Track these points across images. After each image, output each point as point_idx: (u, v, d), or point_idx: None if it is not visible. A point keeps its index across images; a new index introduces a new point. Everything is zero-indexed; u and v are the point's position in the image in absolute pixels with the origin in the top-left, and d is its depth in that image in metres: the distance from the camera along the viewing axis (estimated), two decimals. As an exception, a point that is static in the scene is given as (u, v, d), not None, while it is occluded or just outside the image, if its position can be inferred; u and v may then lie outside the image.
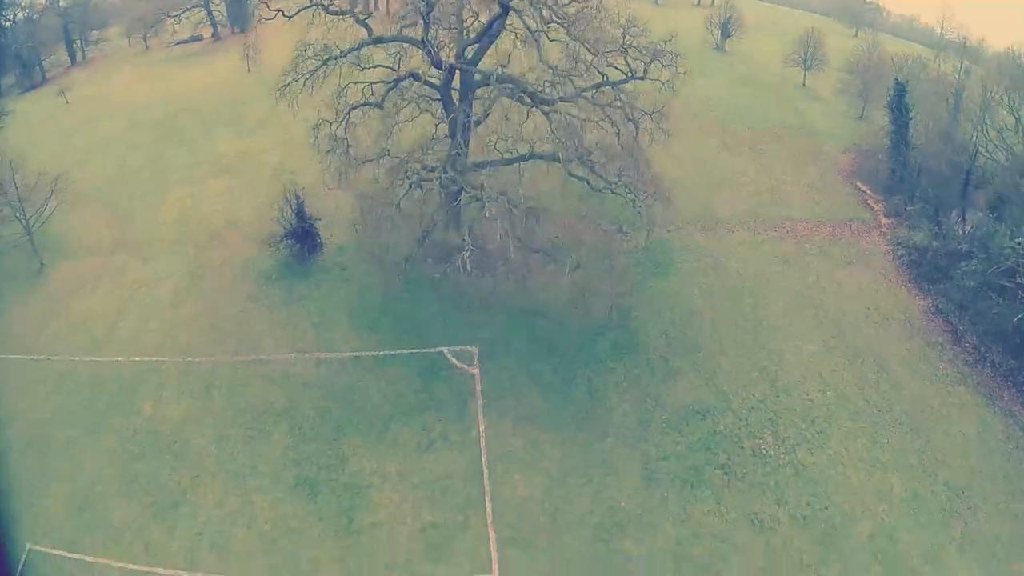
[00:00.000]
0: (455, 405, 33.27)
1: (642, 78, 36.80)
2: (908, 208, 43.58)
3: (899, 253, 41.95)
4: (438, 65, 35.88)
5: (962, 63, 46.75)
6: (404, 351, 35.46)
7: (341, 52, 34.77)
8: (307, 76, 35.62)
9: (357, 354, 35.28)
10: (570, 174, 36.14)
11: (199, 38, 75.77)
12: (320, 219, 40.35)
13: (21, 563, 27.17)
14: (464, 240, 33.42)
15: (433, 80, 36.61)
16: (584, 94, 35.55)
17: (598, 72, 36.24)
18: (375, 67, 35.94)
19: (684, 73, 37.02)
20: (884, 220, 44.81)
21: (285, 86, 35.82)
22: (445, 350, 35.26)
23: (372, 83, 36.14)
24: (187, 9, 73.75)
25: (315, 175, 40.08)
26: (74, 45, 77.16)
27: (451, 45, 36.92)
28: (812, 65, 59.75)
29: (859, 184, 47.81)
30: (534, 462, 31.32)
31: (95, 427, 32.99)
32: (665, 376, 34.71)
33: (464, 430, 32.36)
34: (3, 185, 40.88)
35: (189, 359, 35.48)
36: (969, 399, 35.06)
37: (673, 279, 39.78)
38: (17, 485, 29.93)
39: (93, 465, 31.55)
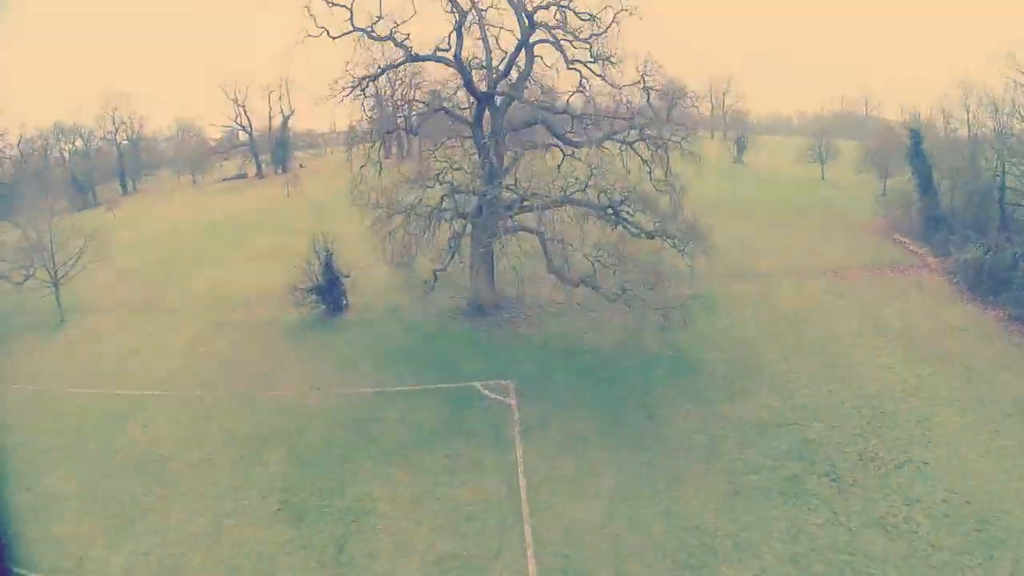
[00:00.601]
0: (488, 432, 28.44)
1: (666, 121, 37.34)
2: (951, 238, 41.81)
3: (955, 280, 39.34)
4: (468, 82, 36.04)
5: (968, 113, 47.28)
6: (431, 386, 31.61)
7: (380, 69, 35.89)
8: (346, 93, 35.88)
9: (379, 389, 31.37)
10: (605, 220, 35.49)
11: (244, 175, 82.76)
12: (348, 276, 38.81)
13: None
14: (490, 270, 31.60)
15: (464, 115, 37.23)
16: (615, 136, 36.22)
17: (623, 119, 36.96)
18: (411, 101, 37.09)
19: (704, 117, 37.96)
20: (931, 260, 42.76)
21: (323, 98, 35.93)
22: (478, 384, 31.25)
23: (407, 115, 36.91)
24: (234, 148, 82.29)
25: (347, 253, 39.90)
26: (126, 177, 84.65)
27: (483, 80, 37.33)
28: (827, 158, 61.74)
29: (897, 236, 46.54)
30: (586, 484, 25.69)
31: (73, 445, 29.08)
32: (733, 396, 30.38)
33: (499, 456, 27.16)
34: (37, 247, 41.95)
35: (194, 393, 32.11)
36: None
37: (724, 318, 37.01)
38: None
39: (57, 479, 27.17)
